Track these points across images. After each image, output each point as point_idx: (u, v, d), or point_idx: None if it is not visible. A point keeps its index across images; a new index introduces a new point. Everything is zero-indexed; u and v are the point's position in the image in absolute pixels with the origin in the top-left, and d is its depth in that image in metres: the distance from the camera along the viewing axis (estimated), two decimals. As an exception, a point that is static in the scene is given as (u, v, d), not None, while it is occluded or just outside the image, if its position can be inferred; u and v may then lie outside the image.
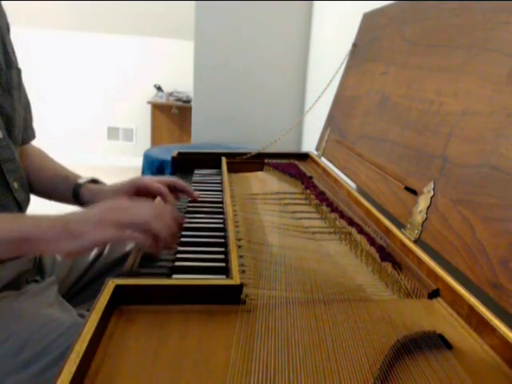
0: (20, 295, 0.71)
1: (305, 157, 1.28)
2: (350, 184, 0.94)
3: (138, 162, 2.17)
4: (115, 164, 4.23)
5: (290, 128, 1.45)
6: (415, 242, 0.62)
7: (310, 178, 1.04)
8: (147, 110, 4.09)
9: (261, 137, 2.02)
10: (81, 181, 0.83)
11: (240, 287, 0.49)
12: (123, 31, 4.03)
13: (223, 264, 0.57)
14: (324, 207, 0.85)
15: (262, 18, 2.10)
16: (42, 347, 0.61)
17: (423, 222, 0.62)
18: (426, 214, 0.62)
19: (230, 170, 1.07)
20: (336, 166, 1.06)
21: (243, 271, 0.56)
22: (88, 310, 0.51)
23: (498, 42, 0.60)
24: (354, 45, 1.23)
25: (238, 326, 0.45)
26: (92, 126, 4.28)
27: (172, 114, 4.05)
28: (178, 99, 4.03)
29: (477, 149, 0.57)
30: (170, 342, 0.42)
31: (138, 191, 0.78)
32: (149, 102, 4.06)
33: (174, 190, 0.81)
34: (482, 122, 0.57)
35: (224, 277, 0.53)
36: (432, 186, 0.63)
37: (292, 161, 1.22)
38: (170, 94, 4.08)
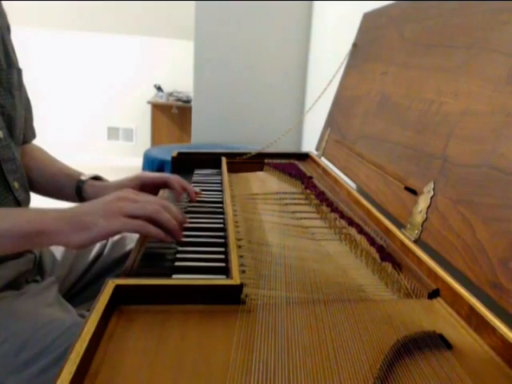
0: (20, 295, 0.71)
1: (305, 157, 1.28)
2: (350, 184, 0.94)
3: (138, 162, 2.17)
4: (115, 164, 4.23)
5: (290, 128, 1.45)
6: (415, 242, 0.62)
7: (310, 177, 1.04)
8: (147, 110, 4.09)
9: (261, 137, 2.02)
10: (83, 177, 0.83)
11: (240, 287, 0.49)
12: (123, 31, 4.03)
13: (223, 264, 0.57)
14: (324, 207, 0.85)
15: (261, 18, 2.10)
16: (42, 347, 0.61)
17: (423, 222, 0.62)
18: (426, 214, 0.62)
19: (230, 170, 1.07)
20: (336, 166, 1.06)
21: (243, 271, 0.56)
22: (88, 310, 0.51)
23: (498, 42, 0.60)
24: (354, 45, 1.23)
25: (238, 325, 0.45)
26: (92, 126, 4.28)
27: (172, 113, 4.05)
28: (178, 99, 4.03)
29: (477, 149, 0.57)
30: (169, 342, 0.42)
31: (143, 186, 0.79)
32: (149, 102, 4.06)
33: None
34: (482, 122, 0.57)
35: (224, 277, 0.53)
36: (432, 186, 0.63)
37: (292, 161, 1.22)
38: (170, 94, 4.09)
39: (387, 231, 0.69)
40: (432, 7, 0.83)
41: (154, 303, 0.48)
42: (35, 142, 0.92)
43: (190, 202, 0.83)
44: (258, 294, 0.51)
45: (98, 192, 0.81)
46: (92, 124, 4.28)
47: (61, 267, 0.85)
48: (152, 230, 0.57)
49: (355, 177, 0.93)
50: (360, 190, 0.91)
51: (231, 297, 0.49)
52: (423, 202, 0.64)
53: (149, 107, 4.07)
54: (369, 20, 1.19)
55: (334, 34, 1.79)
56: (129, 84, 4.21)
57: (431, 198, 0.62)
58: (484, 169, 0.54)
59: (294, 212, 0.84)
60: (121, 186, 0.80)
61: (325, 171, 1.10)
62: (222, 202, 0.83)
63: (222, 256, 0.60)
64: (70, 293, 0.86)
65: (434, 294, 0.53)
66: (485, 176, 0.53)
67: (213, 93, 2.16)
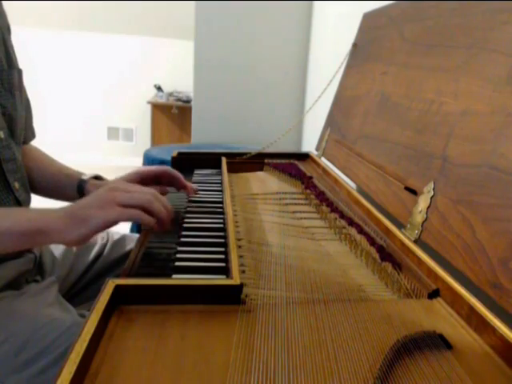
0: (20, 295, 0.71)
1: (305, 157, 1.28)
2: (350, 184, 0.94)
3: (138, 162, 2.17)
4: (115, 164, 4.23)
5: (290, 128, 1.45)
6: (415, 242, 0.62)
7: (310, 177, 1.04)
8: (147, 110, 4.09)
9: (261, 137, 2.02)
10: (85, 177, 0.83)
11: (240, 287, 0.49)
12: (123, 31, 4.03)
13: (223, 264, 0.57)
14: (324, 207, 0.85)
15: (261, 18, 2.10)
16: (42, 347, 0.61)
17: (423, 222, 0.62)
18: (426, 214, 0.62)
19: (229, 170, 1.07)
20: (336, 166, 1.06)
21: (243, 271, 0.56)
22: (88, 310, 0.51)
23: (497, 42, 0.60)
24: (354, 45, 1.23)
25: (238, 325, 0.45)
26: (92, 126, 4.28)
27: (172, 113, 4.05)
28: (178, 99, 4.03)
29: (477, 149, 0.57)
30: (169, 342, 0.42)
31: (142, 180, 0.80)
32: (149, 102, 4.06)
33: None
34: (482, 122, 0.57)
35: (224, 277, 0.53)
36: (432, 185, 0.63)
37: (292, 161, 1.22)
38: (170, 94, 4.08)
39: (387, 231, 0.69)
40: (432, 7, 0.83)
41: (153, 303, 0.48)
42: (35, 141, 0.92)
43: (190, 202, 0.83)
44: (258, 294, 0.51)
45: None
46: (92, 124, 4.28)
47: (61, 267, 0.85)
48: (146, 218, 0.59)
49: (355, 177, 0.93)
50: (360, 190, 0.91)
51: (231, 297, 0.49)
52: (423, 202, 0.64)
53: (149, 107, 4.07)
54: (369, 20, 1.19)
55: (333, 34, 1.79)
56: (129, 84, 4.20)
57: (431, 198, 0.62)
58: (484, 169, 0.54)
59: (294, 212, 0.84)
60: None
61: (325, 171, 1.10)
62: (221, 202, 0.83)
63: (222, 256, 0.60)
64: (70, 293, 0.86)
65: (433, 294, 0.53)
66: (485, 176, 0.53)
67: (213, 93, 2.16)
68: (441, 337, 0.44)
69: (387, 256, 0.63)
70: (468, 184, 0.56)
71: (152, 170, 0.83)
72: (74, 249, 0.88)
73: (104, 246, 0.91)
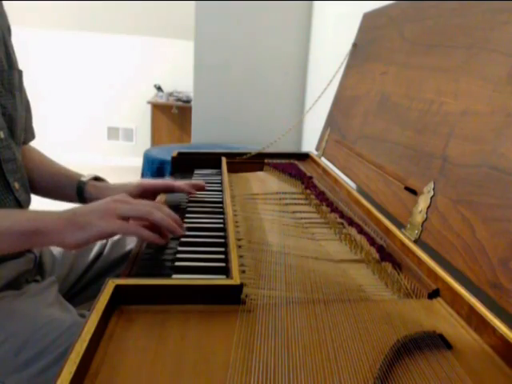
0: (20, 295, 0.71)
1: (305, 157, 1.28)
2: (350, 184, 0.94)
3: (138, 162, 2.17)
4: (115, 164, 4.24)
5: (290, 128, 1.45)
6: (415, 242, 0.62)
7: (310, 177, 1.04)
8: (147, 110, 4.09)
9: (261, 137, 2.02)
10: (84, 178, 0.84)
11: (240, 287, 0.49)
12: (123, 31, 4.03)
13: (223, 264, 0.57)
14: (324, 207, 0.85)
15: (261, 18, 2.10)
16: (42, 347, 0.61)
17: (423, 222, 0.62)
18: (426, 214, 0.62)
19: (230, 170, 1.07)
20: (336, 166, 1.06)
21: (243, 271, 0.56)
22: (88, 310, 0.51)
23: (497, 42, 0.60)
24: (354, 45, 1.23)
25: (238, 325, 0.45)
26: (92, 126, 4.28)
27: (172, 113, 4.05)
28: (178, 99, 4.03)
29: (477, 149, 0.57)
30: (169, 342, 0.42)
31: (144, 192, 0.80)
32: (149, 102, 4.06)
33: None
34: (482, 121, 0.57)
35: (224, 277, 0.53)
36: (432, 185, 0.63)
37: (292, 161, 1.22)
38: (170, 94, 4.08)
39: (387, 231, 0.69)
40: (432, 7, 0.83)
41: (153, 303, 0.48)
42: (35, 141, 0.92)
43: (190, 202, 0.83)
44: (258, 294, 0.51)
45: (101, 192, 0.82)
46: (92, 124, 4.27)
47: (61, 267, 0.85)
48: (145, 233, 0.60)
49: (355, 177, 0.93)
50: (360, 190, 0.91)
51: (231, 297, 0.49)
52: (423, 202, 0.64)
53: (149, 107, 4.07)
54: (369, 20, 1.19)
55: (333, 34, 1.79)
56: (129, 84, 4.20)
57: (431, 197, 0.62)
58: (484, 169, 0.54)
59: (294, 212, 0.84)
60: (122, 188, 0.80)
61: (325, 171, 1.10)
62: (222, 202, 0.83)
63: (222, 256, 0.60)
64: (70, 293, 0.86)
65: (433, 294, 0.53)
66: (485, 176, 0.53)
67: (213, 93, 2.16)
68: (441, 337, 0.44)
69: (387, 256, 0.63)
70: (468, 184, 0.56)
71: (152, 185, 0.82)
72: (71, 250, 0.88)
73: (104, 245, 0.91)
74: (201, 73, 2.14)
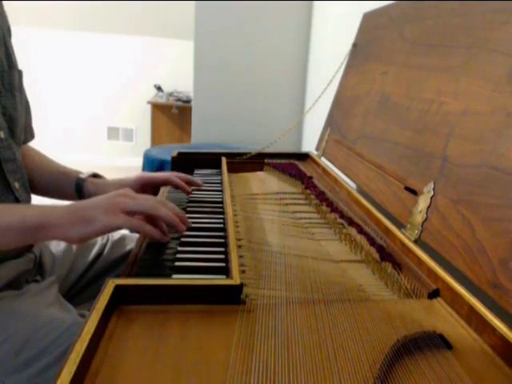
0: (20, 295, 0.71)
1: (305, 157, 1.28)
2: (350, 184, 0.94)
3: (138, 162, 2.17)
4: (115, 164, 4.24)
5: (290, 128, 1.45)
6: (415, 242, 0.62)
7: (310, 177, 1.04)
8: (147, 110, 4.09)
9: (261, 137, 2.02)
10: (83, 175, 0.84)
11: (240, 287, 0.49)
12: (123, 31, 4.03)
13: (223, 264, 0.57)
14: (324, 207, 0.85)
15: (261, 18, 2.10)
16: (42, 347, 0.61)
17: (423, 222, 0.62)
18: (426, 214, 0.62)
19: (230, 170, 1.07)
20: (336, 166, 1.06)
21: (243, 271, 0.56)
22: (88, 310, 0.51)
23: (497, 42, 0.60)
24: (354, 45, 1.23)
25: (238, 325, 0.45)
26: (92, 126, 4.28)
27: (172, 113, 4.05)
28: (178, 99, 4.03)
29: (477, 149, 0.57)
30: (169, 342, 0.42)
31: (143, 186, 0.80)
32: (149, 102, 4.05)
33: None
34: (482, 121, 0.57)
35: (224, 277, 0.53)
36: (432, 185, 0.63)
37: (292, 161, 1.22)
38: (170, 94, 4.08)
39: (387, 231, 0.69)
40: (432, 7, 0.83)
41: (153, 303, 0.48)
42: (36, 141, 0.92)
43: (190, 202, 0.83)
44: (258, 294, 0.51)
45: (99, 189, 0.82)
46: (92, 124, 4.27)
47: (61, 267, 0.85)
48: (149, 229, 0.60)
49: (355, 177, 0.93)
50: (360, 190, 0.91)
51: (231, 297, 0.49)
52: (423, 202, 0.64)
53: (149, 107, 4.07)
54: (369, 20, 1.19)
55: (333, 34, 1.79)
56: (129, 84, 4.20)
57: (431, 198, 0.62)
58: (484, 169, 0.54)
59: (294, 212, 0.84)
60: (121, 183, 0.81)
61: (325, 171, 1.10)
62: (222, 202, 0.83)
63: (222, 256, 0.60)
64: (70, 293, 0.86)
65: (433, 294, 0.53)
66: (485, 176, 0.53)
67: (213, 93, 2.16)
68: (441, 337, 0.44)
69: (387, 256, 0.63)
70: (468, 184, 0.56)
71: (151, 178, 0.83)
72: (74, 248, 0.88)
73: (104, 245, 0.91)
74: (201, 73, 2.14)
